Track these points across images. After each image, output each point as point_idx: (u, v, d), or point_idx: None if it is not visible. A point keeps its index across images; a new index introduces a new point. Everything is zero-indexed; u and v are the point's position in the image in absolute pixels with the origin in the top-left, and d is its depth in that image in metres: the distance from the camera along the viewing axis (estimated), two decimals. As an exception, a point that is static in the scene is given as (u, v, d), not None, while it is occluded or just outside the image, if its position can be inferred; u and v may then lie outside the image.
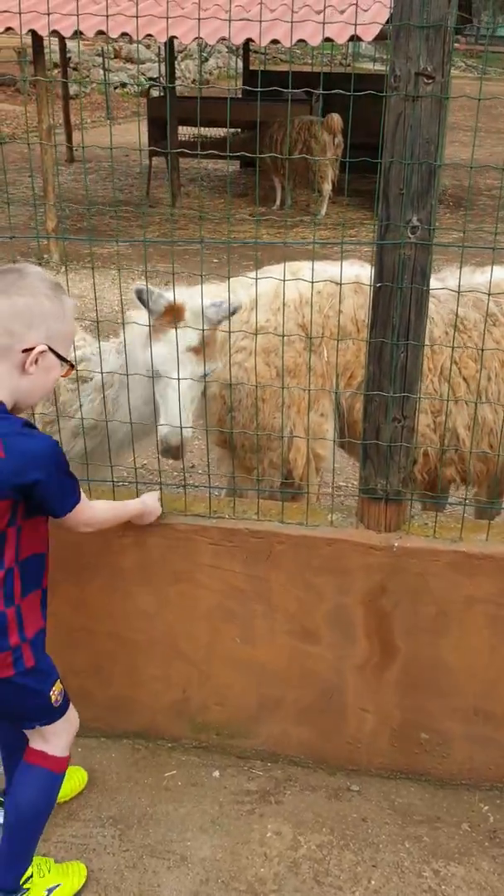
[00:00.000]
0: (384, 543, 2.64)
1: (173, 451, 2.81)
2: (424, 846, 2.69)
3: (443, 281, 3.29)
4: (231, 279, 3.00)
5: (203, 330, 2.76)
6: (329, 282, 3.03)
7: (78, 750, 3.03)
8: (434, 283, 3.07)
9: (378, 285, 2.43)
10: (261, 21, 7.47)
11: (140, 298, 2.85)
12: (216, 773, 2.94)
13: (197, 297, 2.81)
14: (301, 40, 8.69)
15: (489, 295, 2.68)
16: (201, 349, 2.83)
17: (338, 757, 2.95)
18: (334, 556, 2.68)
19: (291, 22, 8.13)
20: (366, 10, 8.63)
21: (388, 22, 8.08)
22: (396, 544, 2.63)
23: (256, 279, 2.77)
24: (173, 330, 2.74)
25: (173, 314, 2.80)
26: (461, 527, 2.64)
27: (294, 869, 2.60)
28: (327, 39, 8.71)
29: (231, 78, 23.62)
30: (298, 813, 2.80)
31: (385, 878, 2.57)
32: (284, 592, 2.76)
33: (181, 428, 2.76)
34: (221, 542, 2.72)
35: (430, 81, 2.16)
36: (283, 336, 2.78)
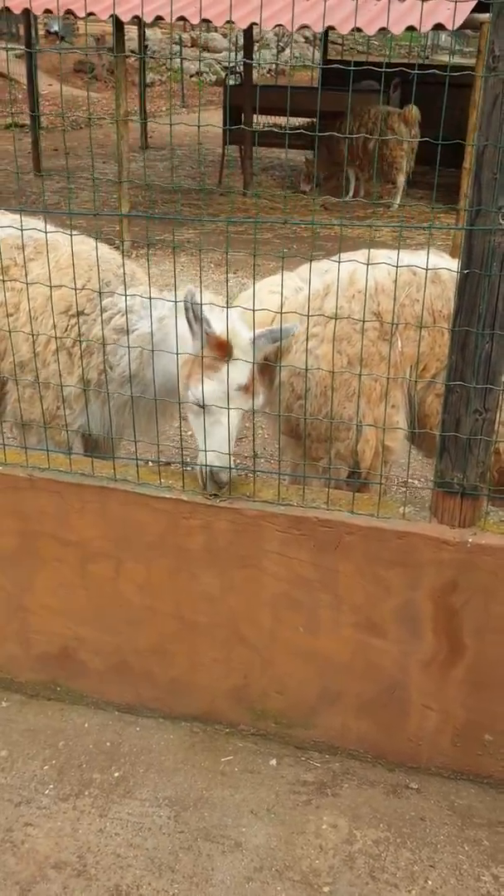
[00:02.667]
0: (458, 539, 2.57)
1: (220, 484, 2.76)
2: (484, 850, 2.63)
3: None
4: (310, 263, 2.96)
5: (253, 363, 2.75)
6: (407, 269, 2.97)
7: (136, 730, 3.04)
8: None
9: (466, 272, 2.36)
10: (321, 11, 7.35)
11: (188, 315, 2.74)
12: (273, 762, 2.92)
13: (245, 329, 2.77)
14: (383, 28, 8.56)
15: None
16: (251, 385, 2.79)
17: (398, 753, 2.90)
18: (405, 550, 2.62)
19: (392, 9, 8.00)
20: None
21: (474, 10, 7.91)
22: (471, 540, 2.56)
23: (340, 261, 2.71)
24: (222, 366, 2.70)
25: (220, 351, 2.73)
26: (539, 525, 2.56)
27: (349, 863, 2.57)
28: (410, 28, 8.56)
29: (308, 69, 23.44)
30: (356, 807, 2.76)
31: (442, 880, 2.52)
32: (352, 584, 2.71)
33: (229, 461, 2.72)
34: (289, 529, 2.69)
35: (532, 61, 2.08)
36: (364, 321, 2.73)
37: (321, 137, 2.54)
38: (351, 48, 25.45)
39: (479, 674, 2.70)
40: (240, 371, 2.75)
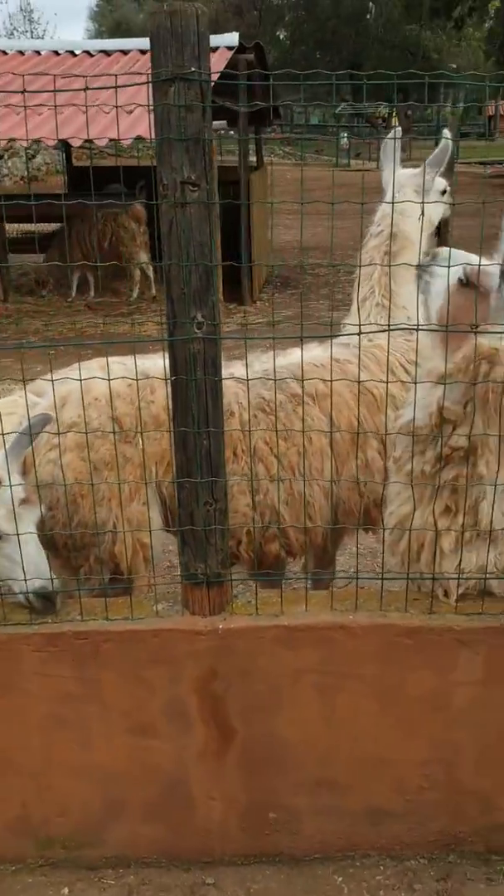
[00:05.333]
0: (209, 627, 2.67)
1: (52, 602, 2.74)
2: (282, 930, 2.66)
3: (249, 366, 3.45)
4: (47, 379, 3.03)
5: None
6: (139, 372, 3.12)
7: None
8: (241, 368, 3.24)
9: (174, 378, 2.52)
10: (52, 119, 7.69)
11: None
12: (65, 891, 2.81)
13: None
14: (113, 139, 9.02)
15: (271, 379, 2.82)
16: (32, 493, 2.82)
17: (191, 850, 2.89)
18: (162, 647, 2.68)
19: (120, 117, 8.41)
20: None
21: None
22: (221, 626, 2.67)
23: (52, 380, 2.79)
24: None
25: None
26: (281, 601, 2.72)
27: None
28: (139, 137, 9.08)
29: (59, 174, 23.98)
30: (153, 918, 2.71)
31: None
32: (117, 690, 2.72)
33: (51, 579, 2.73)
34: (45, 647, 2.67)
35: (196, 189, 2.31)
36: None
37: (60, 242, 2.65)
38: (100, 152, 26.38)
39: (252, 754, 2.78)
40: (17, 487, 2.74)
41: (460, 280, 2.45)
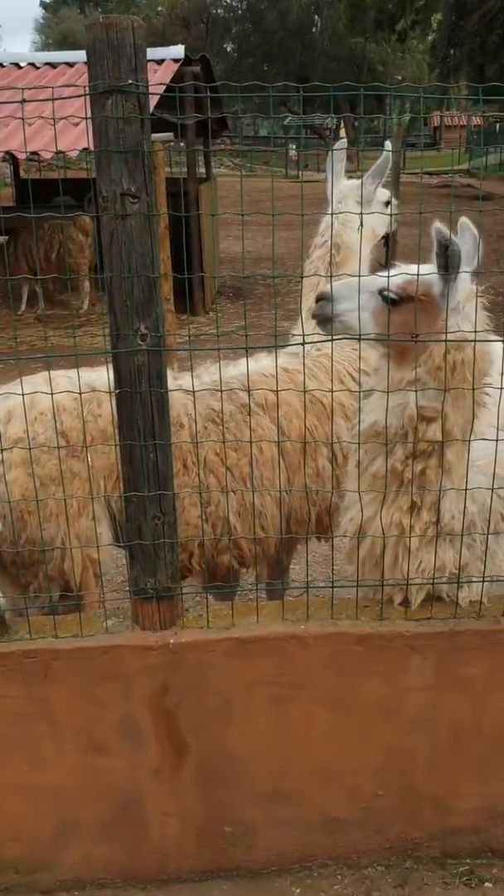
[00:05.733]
0: (160, 642, 2.64)
1: (1, 621, 2.70)
2: (240, 946, 2.64)
3: (198, 377, 3.44)
4: None
5: None
6: (86, 386, 3.08)
7: None
8: (189, 380, 3.22)
9: (118, 391, 2.50)
10: None
11: None
12: (19, 917, 2.76)
13: None
14: (60, 151, 8.96)
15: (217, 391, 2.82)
16: None
17: (146, 869, 2.85)
18: (112, 663, 2.65)
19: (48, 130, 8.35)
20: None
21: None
22: (172, 641, 2.64)
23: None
24: None
25: None
26: (232, 613, 2.70)
27: None
28: (85, 149, 9.03)
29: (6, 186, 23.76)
30: (109, 940, 2.67)
31: None
32: (68, 709, 2.68)
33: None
34: (-7, 667, 2.62)
35: (136, 201, 2.30)
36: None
37: (2, 255, 2.60)
38: (49, 165, 26.21)
39: (206, 768, 2.75)
40: None
41: (392, 300, 2.46)
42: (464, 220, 2.40)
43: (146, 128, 2.29)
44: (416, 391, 2.45)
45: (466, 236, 2.40)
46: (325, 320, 2.58)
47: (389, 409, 2.49)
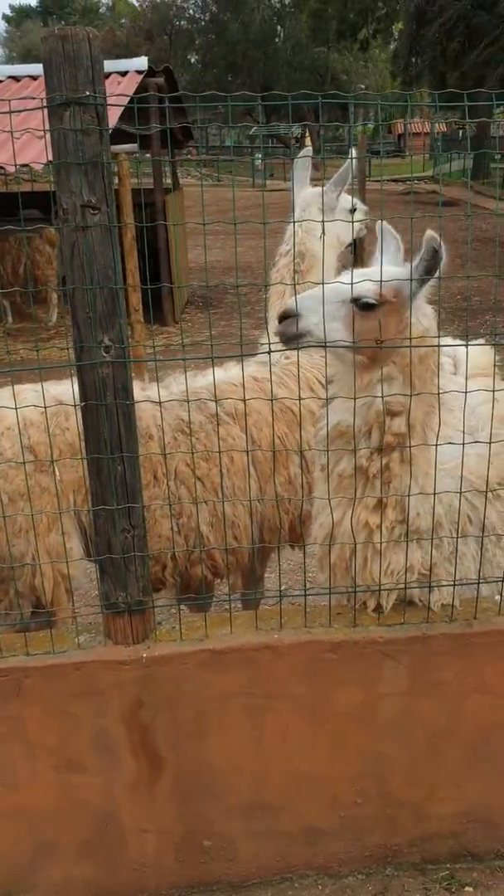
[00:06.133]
0: (133, 657, 2.62)
1: None
2: None
3: (167, 388, 3.43)
4: None
5: None
6: (53, 399, 3.06)
7: None
8: (161, 391, 3.21)
9: (84, 404, 2.48)
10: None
11: None
12: (-4, 941, 2.71)
13: None
14: (25, 164, 8.92)
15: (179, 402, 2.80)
16: None
17: (125, 887, 2.82)
18: (86, 679, 2.61)
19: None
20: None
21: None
22: (145, 655, 2.62)
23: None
24: None
25: None
26: (205, 624, 2.68)
27: None
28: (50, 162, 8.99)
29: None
30: None
31: None
32: (41, 727, 2.64)
33: None
34: (-37, 687, 2.58)
35: (97, 212, 2.28)
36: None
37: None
38: (16, 178, 26.08)
39: (183, 782, 2.73)
40: None
41: (371, 305, 2.45)
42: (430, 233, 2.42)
43: (105, 139, 2.27)
44: (382, 387, 2.45)
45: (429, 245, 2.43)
46: (291, 338, 2.52)
47: (356, 410, 2.49)
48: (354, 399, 2.49)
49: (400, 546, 2.60)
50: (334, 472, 2.62)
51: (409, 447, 2.51)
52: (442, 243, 2.41)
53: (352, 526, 2.57)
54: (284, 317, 2.49)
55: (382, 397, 2.46)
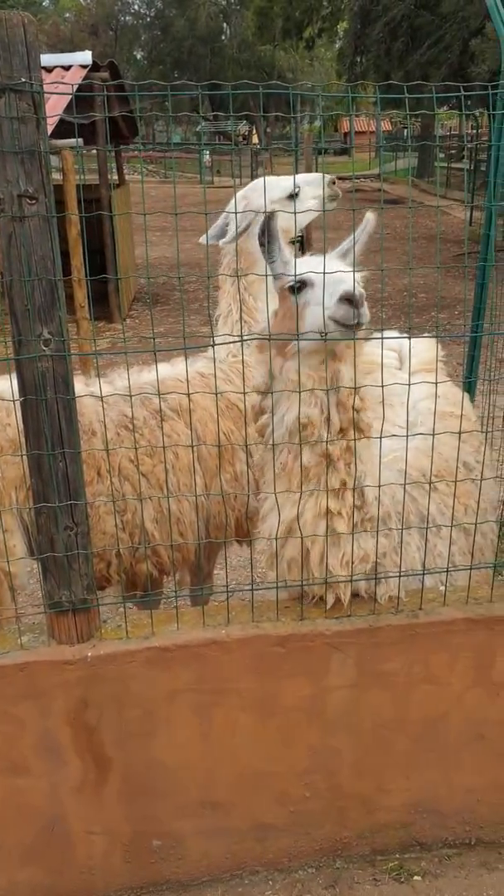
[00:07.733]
0: (77, 656, 2.57)
1: None
2: None
3: (111, 384, 3.37)
4: None
5: None
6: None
7: None
8: (104, 386, 3.15)
9: (23, 399, 2.42)
10: None
11: None
12: None
13: None
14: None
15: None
16: None
17: (74, 890, 2.77)
18: (29, 681, 2.56)
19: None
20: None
21: (52, 135, 8.40)
22: (90, 654, 2.57)
23: None
24: None
25: None
26: (151, 622, 2.65)
27: None
28: None
29: None
30: None
31: None
32: (-17, 730, 2.58)
33: None
34: None
35: (34, 202, 2.23)
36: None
37: None
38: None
39: (131, 782, 2.69)
40: None
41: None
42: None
43: (42, 128, 2.22)
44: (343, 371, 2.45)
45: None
46: (353, 327, 2.40)
47: (320, 400, 2.47)
48: (327, 390, 2.45)
49: (358, 535, 2.58)
50: (295, 465, 2.58)
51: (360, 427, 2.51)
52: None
53: (313, 516, 2.54)
54: (349, 301, 2.36)
55: (355, 388, 2.45)
